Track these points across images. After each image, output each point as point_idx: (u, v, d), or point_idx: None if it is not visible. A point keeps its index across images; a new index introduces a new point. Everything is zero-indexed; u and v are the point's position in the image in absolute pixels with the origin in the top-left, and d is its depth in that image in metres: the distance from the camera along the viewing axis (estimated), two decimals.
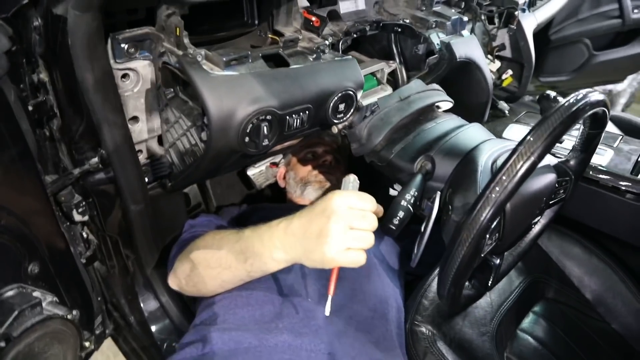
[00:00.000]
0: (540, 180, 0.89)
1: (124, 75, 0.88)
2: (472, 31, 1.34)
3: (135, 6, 0.81)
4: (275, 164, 1.46)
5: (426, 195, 0.92)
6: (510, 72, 1.54)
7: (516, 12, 1.42)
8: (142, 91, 0.91)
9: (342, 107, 0.91)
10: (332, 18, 1.02)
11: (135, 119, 0.94)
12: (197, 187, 1.41)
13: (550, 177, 0.92)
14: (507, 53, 1.52)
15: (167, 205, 1.11)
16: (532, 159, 0.68)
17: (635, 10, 2.41)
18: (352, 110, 0.94)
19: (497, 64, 1.49)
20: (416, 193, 0.86)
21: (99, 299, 1.11)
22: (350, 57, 0.92)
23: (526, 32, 1.45)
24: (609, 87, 3.15)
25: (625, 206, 1.23)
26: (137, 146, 0.97)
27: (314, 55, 0.87)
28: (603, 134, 1.41)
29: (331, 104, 0.88)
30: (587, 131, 0.96)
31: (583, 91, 0.79)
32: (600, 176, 1.25)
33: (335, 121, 0.92)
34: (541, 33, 2.28)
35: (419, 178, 0.89)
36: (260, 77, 0.80)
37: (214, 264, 0.88)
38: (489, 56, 1.46)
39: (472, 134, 0.97)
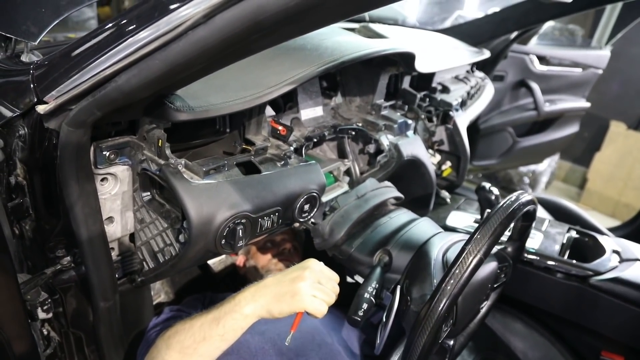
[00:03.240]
0: (484, 269, 1.01)
1: (103, 179, 0.93)
2: (415, 130, 1.51)
3: (120, 120, 0.89)
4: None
5: (385, 286, 1.00)
6: (449, 163, 1.72)
7: (451, 113, 1.62)
8: (119, 193, 0.96)
9: (306, 207, 1.00)
10: (295, 124, 1.14)
11: (110, 219, 0.98)
12: None
13: (493, 265, 1.04)
14: (445, 147, 1.71)
15: (134, 300, 1.13)
16: (479, 255, 0.80)
17: (547, 104, 2.78)
18: (315, 210, 1.03)
19: (438, 157, 1.67)
20: (377, 285, 0.95)
21: None
22: (313, 161, 1.03)
23: (460, 129, 1.64)
24: (532, 167, 3.50)
25: (556, 284, 1.37)
26: (110, 244, 1.00)
27: (282, 162, 0.97)
28: None
29: (297, 205, 0.97)
30: (521, 223, 1.11)
31: (515, 194, 0.94)
32: (533, 258, 1.40)
33: (301, 220, 1.00)
34: (471, 123, 2.56)
35: (378, 271, 0.99)
36: (236, 184, 0.88)
37: (188, 341, 0.92)
38: (430, 150, 1.64)
39: (423, 228, 1.09)
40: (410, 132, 1.36)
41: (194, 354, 0.91)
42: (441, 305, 0.79)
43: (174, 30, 0.62)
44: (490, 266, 1.03)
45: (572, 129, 3.02)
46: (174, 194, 0.84)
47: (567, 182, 4.47)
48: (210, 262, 1.51)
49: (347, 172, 1.30)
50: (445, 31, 2.17)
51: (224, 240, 0.87)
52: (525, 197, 0.94)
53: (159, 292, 1.43)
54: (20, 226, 0.97)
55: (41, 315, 1.01)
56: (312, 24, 0.63)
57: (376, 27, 1.64)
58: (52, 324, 1.10)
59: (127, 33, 0.68)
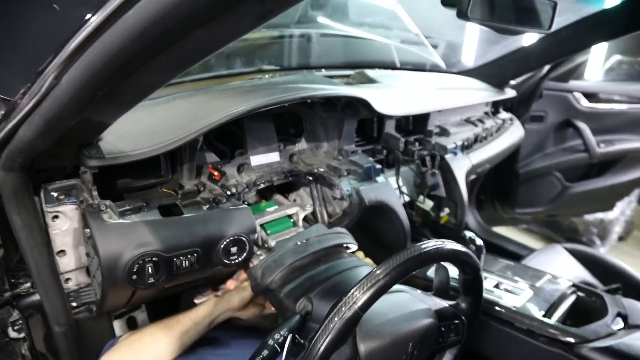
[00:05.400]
0: (405, 324, 0.95)
1: (55, 217, 1.04)
2: (397, 175, 1.48)
3: (55, 165, 0.99)
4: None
5: (304, 336, 0.98)
6: (447, 210, 1.64)
7: (446, 156, 1.57)
8: (70, 230, 1.07)
9: (234, 249, 1.03)
10: (244, 170, 1.19)
11: (63, 252, 1.09)
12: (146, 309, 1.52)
13: (422, 322, 0.97)
14: (442, 193, 1.64)
15: (94, 327, 1.22)
16: (354, 310, 0.77)
17: (602, 145, 2.52)
18: (245, 253, 1.05)
19: (430, 203, 1.60)
20: (286, 333, 0.94)
21: None
22: (245, 206, 1.06)
23: (456, 173, 1.57)
24: (600, 215, 3.14)
25: (537, 350, 1.23)
26: (66, 275, 1.11)
27: (208, 205, 1.02)
28: (528, 272, 1.46)
29: (221, 247, 1.01)
30: (463, 276, 1.03)
31: (422, 243, 0.88)
32: (513, 317, 1.28)
33: (227, 262, 1.03)
34: (507, 167, 2.42)
35: (295, 318, 0.97)
36: (150, 224, 0.94)
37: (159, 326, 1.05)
38: (421, 196, 1.58)
39: (356, 275, 1.06)
40: (380, 177, 1.34)
41: (167, 334, 1.03)
42: (318, 346, 0.78)
43: (41, 90, 0.71)
44: (416, 322, 0.97)
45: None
46: (89, 231, 0.92)
47: None
48: (197, 302, 1.57)
49: (314, 217, 1.31)
50: (468, 73, 2.11)
51: (135, 276, 0.93)
52: (436, 247, 0.88)
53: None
54: None
55: (13, 334, 1.14)
56: (148, 84, 0.68)
57: (373, 72, 1.65)
58: (26, 344, 1.22)
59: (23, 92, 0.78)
